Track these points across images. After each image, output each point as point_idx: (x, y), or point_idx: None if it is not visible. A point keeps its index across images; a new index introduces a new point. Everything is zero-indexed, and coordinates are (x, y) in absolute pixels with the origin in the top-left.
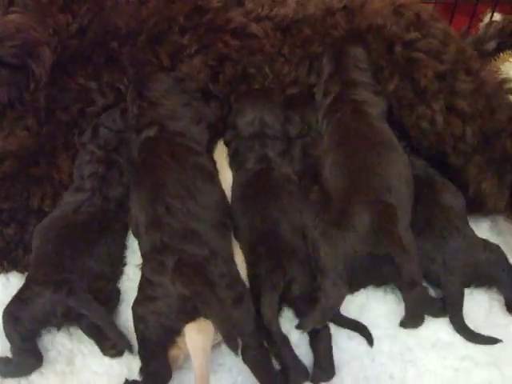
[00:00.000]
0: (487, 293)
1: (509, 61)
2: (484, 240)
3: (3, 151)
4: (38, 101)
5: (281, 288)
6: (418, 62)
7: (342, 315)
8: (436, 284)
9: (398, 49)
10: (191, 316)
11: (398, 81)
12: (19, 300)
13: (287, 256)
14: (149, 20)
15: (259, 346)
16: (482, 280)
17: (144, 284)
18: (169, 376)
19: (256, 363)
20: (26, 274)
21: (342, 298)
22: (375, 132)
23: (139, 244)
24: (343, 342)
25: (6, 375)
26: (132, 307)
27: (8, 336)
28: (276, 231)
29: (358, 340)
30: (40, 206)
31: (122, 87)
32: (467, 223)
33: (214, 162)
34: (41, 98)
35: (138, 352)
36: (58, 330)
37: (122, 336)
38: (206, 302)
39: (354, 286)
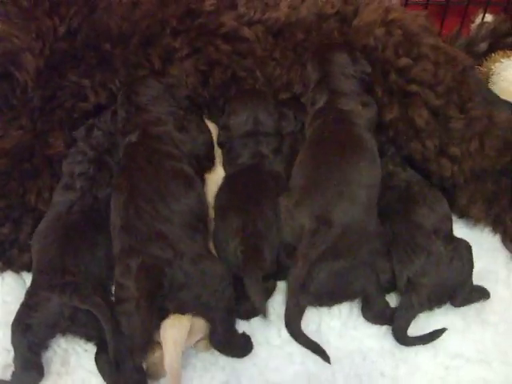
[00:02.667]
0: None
1: (500, 61)
2: (453, 248)
3: None
4: (32, 101)
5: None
6: (413, 98)
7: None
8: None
9: (392, 77)
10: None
11: (396, 112)
12: (27, 307)
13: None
14: (141, 22)
15: (228, 331)
16: (447, 294)
17: (116, 286)
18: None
19: (223, 347)
20: (23, 274)
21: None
22: (353, 140)
23: (113, 247)
24: (334, 340)
25: None
26: None
27: (15, 345)
28: (257, 225)
29: (349, 338)
30: (36, 201)
31: (113, 88)
32: (439, 238)
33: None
34: (35, 99)
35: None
36: (63, 335)
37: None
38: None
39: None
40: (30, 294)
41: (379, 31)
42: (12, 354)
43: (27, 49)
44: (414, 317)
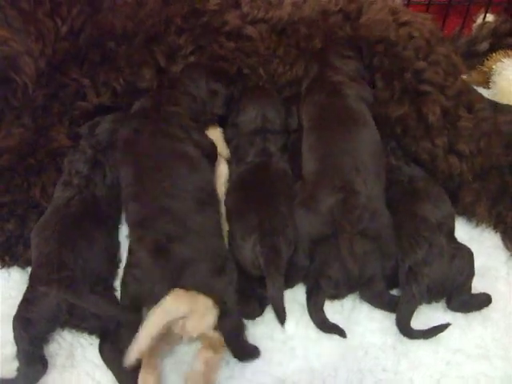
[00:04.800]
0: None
1: (501, 61)
2: (456, 247)
3: (1, 146)
4: (36, 100)
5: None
6: (426, 96)
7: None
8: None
9: (407, 75)
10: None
11: (406, 109)
12: (26, 302)
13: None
14: (146, 21)
15: (237, 316)
16: (446, 291)
17: (129, 250)
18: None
19: (230, 333)
20: (28, 269)
21: (303, 270)
22: (348, 111)
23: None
24: (337, 335)
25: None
26: None
27: (17, 340)
28: (274, 222)
29: (351, 333)
30: (41, 196)
31: (117, 87)
32: (443, 233)
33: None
34: (38, 97)
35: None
36: (63, 329)
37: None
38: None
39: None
40: (29, 288)
41: (403, 30)
42: (5, 344)
43: (25, 52)
44: (415, 307)
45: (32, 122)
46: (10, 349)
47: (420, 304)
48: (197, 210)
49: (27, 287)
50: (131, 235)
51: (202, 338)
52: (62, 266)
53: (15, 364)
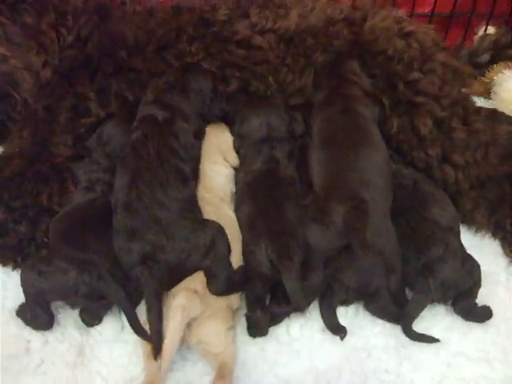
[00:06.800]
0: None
1: (502, 72)
2: (466, 254)
3: (9, 153)
4: (37, 112)
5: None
6: (419, 108)
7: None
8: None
9: (400, 88)
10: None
11: (397, 123)
12: (38, 272)
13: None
14: (157, 30)
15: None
16: (456, 291)
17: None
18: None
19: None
20: None
21: (318, 288)
22: (360, 131)
23: (114, 218)
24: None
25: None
26: None
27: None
28: (283, 226)
29: (355, 336)
30: (48, 204)
31: (130, 96)
32: (454, 235)
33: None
34: (39, 110)
35: None
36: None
37: (142, 330)
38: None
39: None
40: (43, 260)
41: (400, 44)
42: (17, 342)
43: (25, 67)
44: (427, 302)
45: (30, 137)
46: (14, 346)
47: (432, 302)
48: (180, 215)
49: (41, 258)
50: (118, 238)
51: (200, 345)
52: (84, 246)
53: (22, 361)
